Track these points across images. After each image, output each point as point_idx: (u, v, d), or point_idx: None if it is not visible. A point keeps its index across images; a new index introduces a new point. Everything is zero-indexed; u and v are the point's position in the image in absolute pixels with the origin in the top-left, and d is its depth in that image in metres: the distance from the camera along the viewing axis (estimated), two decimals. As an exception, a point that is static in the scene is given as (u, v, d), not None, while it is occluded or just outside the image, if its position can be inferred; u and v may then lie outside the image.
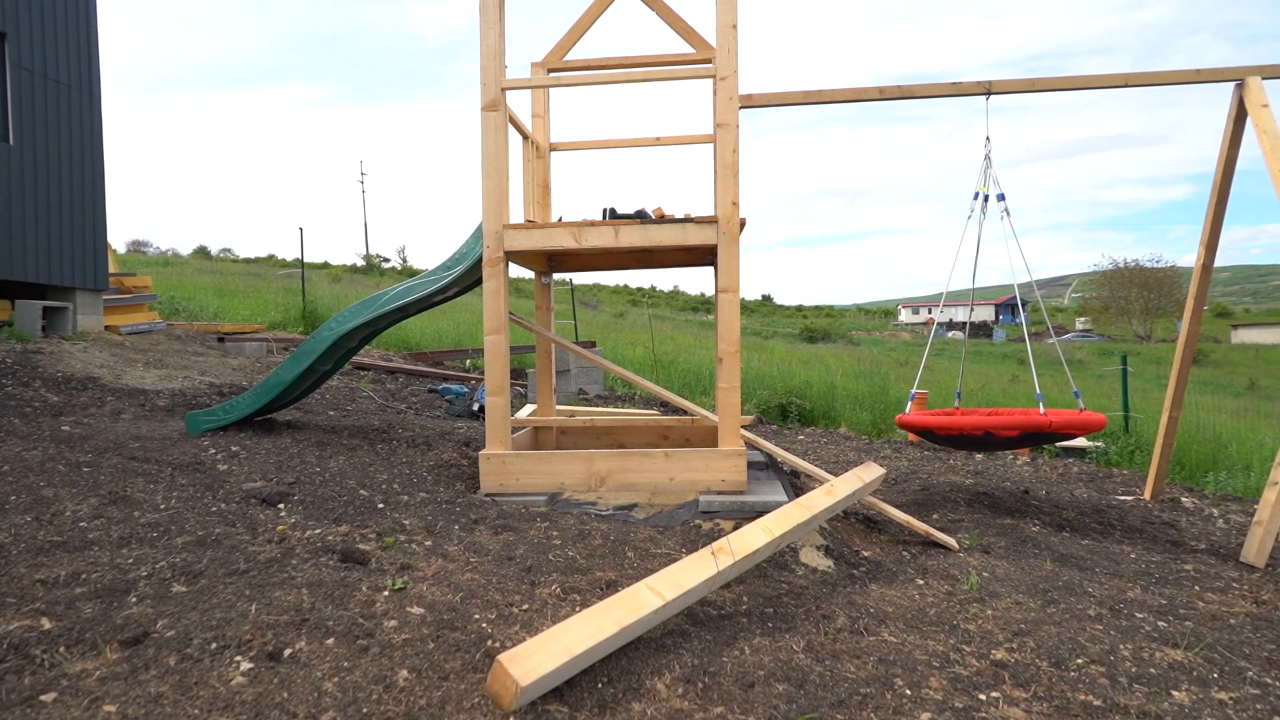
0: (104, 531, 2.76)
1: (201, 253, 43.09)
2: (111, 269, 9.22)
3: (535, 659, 1.91)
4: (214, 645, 2.04)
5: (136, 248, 42.89)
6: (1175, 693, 2.22)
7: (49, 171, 7.67)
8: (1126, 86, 4.09)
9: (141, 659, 1.96)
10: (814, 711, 2.00)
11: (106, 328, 8.41)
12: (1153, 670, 2.35)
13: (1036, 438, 4.40)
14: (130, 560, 2.52)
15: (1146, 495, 5.32)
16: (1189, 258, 5.90)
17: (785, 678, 2.16)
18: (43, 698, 1.79)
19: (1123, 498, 5.38)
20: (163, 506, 3.11)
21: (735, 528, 3.33)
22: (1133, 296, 49.14)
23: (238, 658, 2.00)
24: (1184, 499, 5.48)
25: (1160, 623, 2.77)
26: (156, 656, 1.97)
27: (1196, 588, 3.32)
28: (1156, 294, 47.92)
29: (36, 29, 7.55)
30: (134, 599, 2.28)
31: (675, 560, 2.83)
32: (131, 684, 1.86)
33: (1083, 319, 57.23)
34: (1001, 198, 4.41)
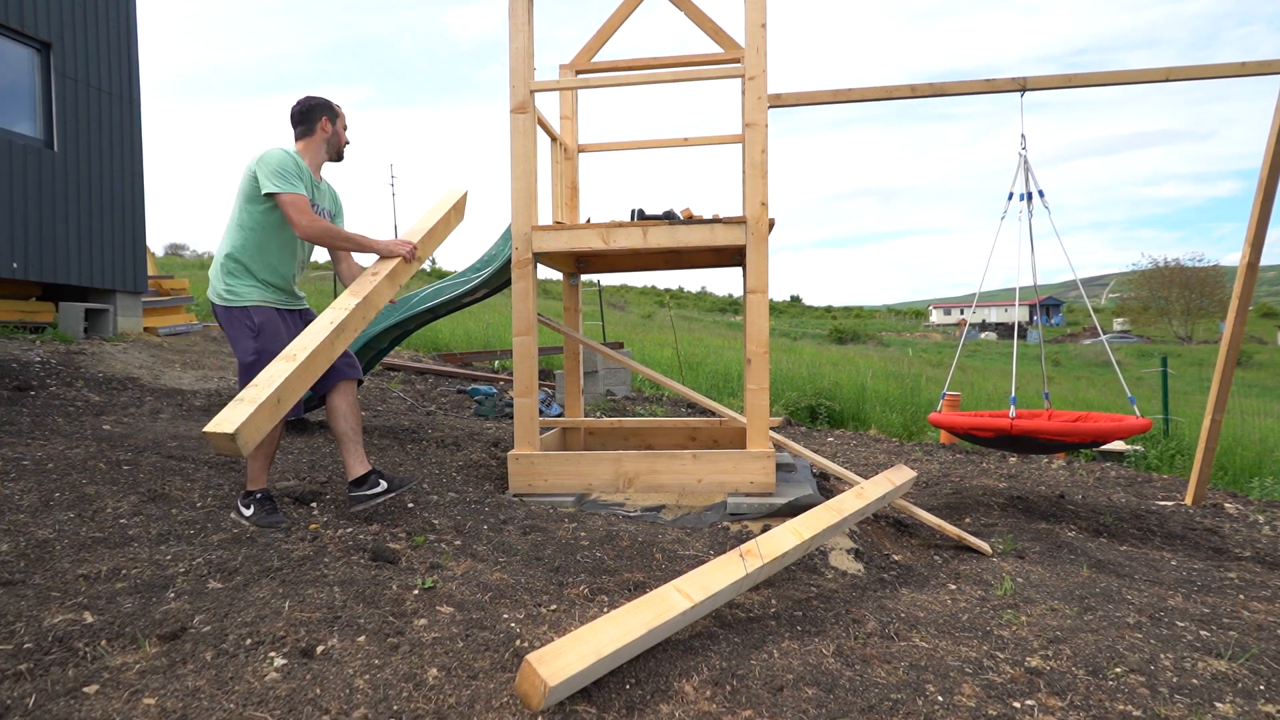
0: (143, 528, 2.82)
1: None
2: (150, 272, 9.44)
3: (563, 659, 1.91)
4: (249, 641, 2.07)
5: (174, 251, 43.91)
6: (1219, 704, 2.15)
7: (91, 177, 7.88)
8: (1168, 81, 3.99)
9: (179, 653, 2.00)
10: (844, 716, 1.98)
11: (145, 329, 8.61)
12: (1195, 681, 2.29)
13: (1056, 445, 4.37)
14: (168, 557, 2.58)
15: (1188, 501, 5.19)
16: (1234, 256, 5.78)
17: (814, 682, 2.14)
18: (85, 689, 1.83)
19: (1163, 503, 5.25)
20: (199, 504, 3.18)
21: (764, 530, 3.31)
22: (1173, 296, 47.91)
23: (272, 654, 2.03)
24: (1227, 505, 5.33)
25: (1203, 632, 2.70)
26: (194, 651, 2.01)
27: (1241, 596, 3.22)
28: (1198, 294, 46.65)
29: (79, 38, 7.76)
30: (172, 594, 2.33)
31: (703, 562, 2.82)
32: (170, 678, 1.90)
33: (1120, 320, 55.99)
34: (1029, 196, 4.31)
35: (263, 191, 3.06)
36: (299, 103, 3.31)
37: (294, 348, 2.87)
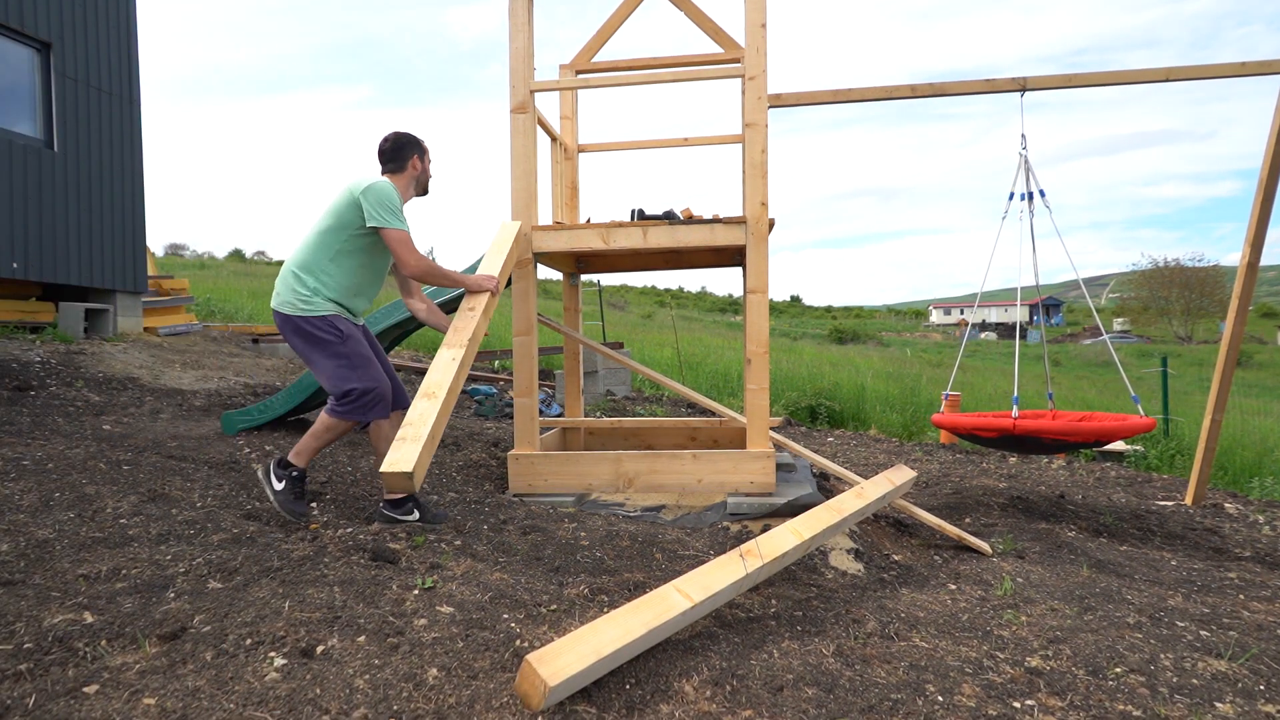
0: (143, 528, 2.82)
1: (236, 255, 44.04)
2: (150, 272, 9.45)
3: (563, 659, 1.91)
4: (249, 641, 2.07)
5: (174, 251, 43.96)
6: (1219, 704, 2.16)
7: (91, 177, 7.88)
8: (1168, 81, 3.99)
9: (179, 653, 2.00)
10: (844, 716, 1.98)
11: (145, 329, 8.61)
12: (1195, 681, 2.29)
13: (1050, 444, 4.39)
14: (168, 557, 2.58)
15: (1188, 501, 5.19)
16: (1234, 256, 5.80)
17: (814, 682, 2.14)
18: (85, 689, 1.83)
19: (1163, 503, 5.25)
20: (199, 504, 3.18)
21: (764, 530, 3.31)
22: (1173, 297, 47.91)
23: (272, 654, 2.03)
24: (1227, 505, 5.33)
25: (1203, 632, 2.70)
26: (194, 651, 2.01)
27: (1241, 596, 3.22)
28: (1198, 294, 46.66)
29: (80, 38, 7.76)
30: (172, 594, 2.33)
31: (703, 562, 2.82)
32: (170, 678, 1.90)
33: (1120, 319, 56.01)
34: (1030, 196, 4.31)
35: (369, 224, 3.09)
36: (390, 139, 3.32)
37: (431, 386, 2.94)
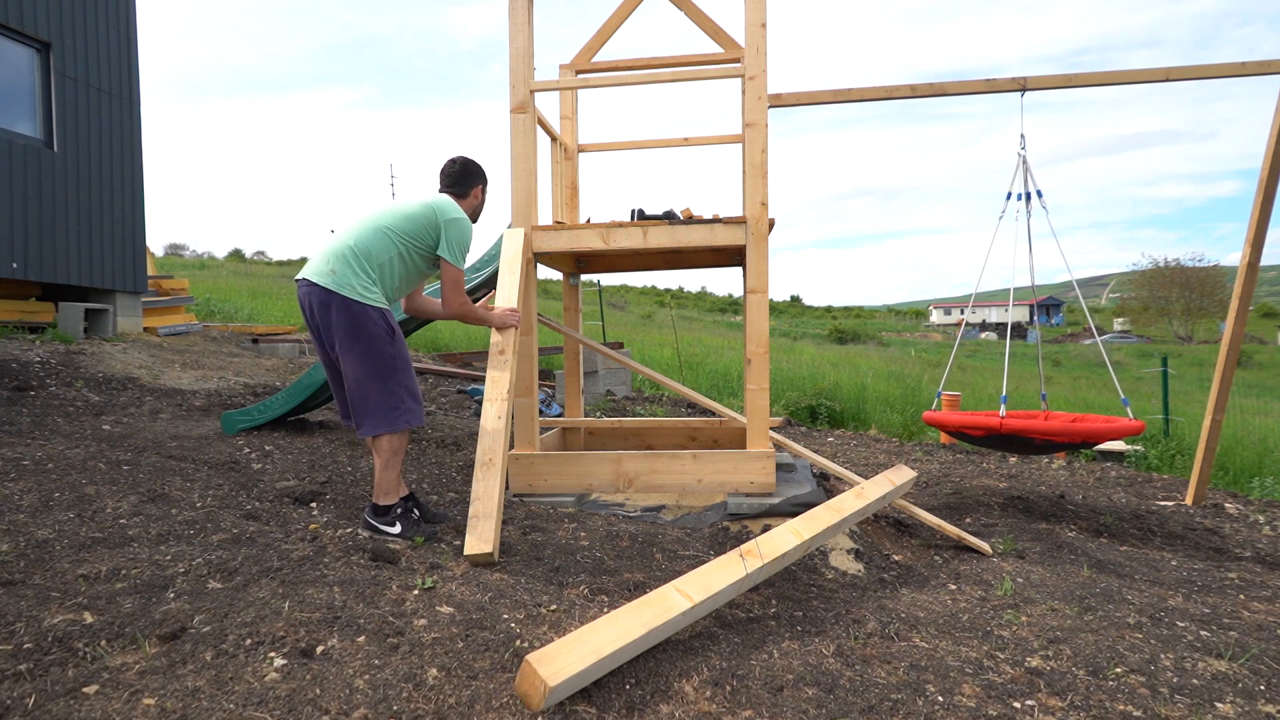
0: (143, 529, 2.82)
1: (236, 255, 44.05)
2: (150, 272, 9.44)
3: (563, 659, 1.91)
4: (249, 641, 2.07)
5: (174, 251, 43.94)
6: (1219, 704, 2.15)
7: (91, 177, 7.87)
8: (1168, 81, 3.99)
9: (179, 654, 2.00)
10: (844, 716, 1.98)
11: (145, 329, 8.60)
12: (1195, 681, 2.29)
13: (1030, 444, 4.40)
14: (168, 557, 2.58)
15: (1188, 501, 5.19)
16: (1234, 256, 5.81)
17: (815, 682, 2.14)
18: (85, 689, 1.83)
19: (1163, 503, 5.25)
20: (199, 504, 3.17)
21: (764, 530, 3.31)
22: (1173, 296, 47.89)
23: (272, 654, 2.03)
24: (1228, 505, 5.33)
25: (1203, 632, 2.70)
26: (194, 651, 2.01)
27: (1241, 596, 3.22)
28: (1198, 294, 46.63)
29: (79, 38, 7.76)
30: (172, 595, 2.33)
31: (703, 562, 2.82)
32: (170, 678, 1.90)
33: (1120, 319, 56.00)
34: (1027, 196, 4.31)
35: (439, 252, 3.15)
36: (460, 164, 3.34)
37: (486, 453, 3.07)
